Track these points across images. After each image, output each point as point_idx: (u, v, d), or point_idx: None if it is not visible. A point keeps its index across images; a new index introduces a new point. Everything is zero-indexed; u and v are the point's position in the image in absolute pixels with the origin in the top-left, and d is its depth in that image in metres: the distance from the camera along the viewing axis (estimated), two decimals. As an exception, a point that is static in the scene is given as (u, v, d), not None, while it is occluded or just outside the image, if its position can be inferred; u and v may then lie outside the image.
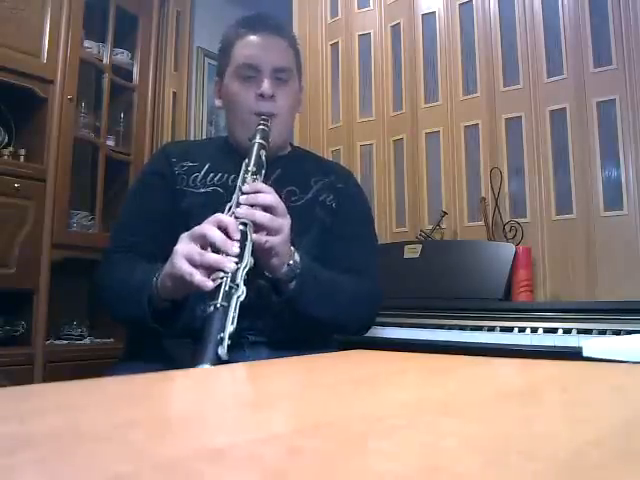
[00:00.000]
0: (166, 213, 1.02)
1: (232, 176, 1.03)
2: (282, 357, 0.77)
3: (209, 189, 1.04)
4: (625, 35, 1.63)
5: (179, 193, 1.04)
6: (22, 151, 2.03)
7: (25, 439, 0.25)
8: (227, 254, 0.79)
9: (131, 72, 2.51)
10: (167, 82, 2.68)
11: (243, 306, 0.78)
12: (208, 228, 0.81)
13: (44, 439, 0.26)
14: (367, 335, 1.14)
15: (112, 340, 2.21)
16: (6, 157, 1.98)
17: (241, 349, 0.93)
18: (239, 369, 0.59)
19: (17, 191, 1.92)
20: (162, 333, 0.91)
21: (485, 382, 0.48)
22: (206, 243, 0.81)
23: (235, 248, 0.80)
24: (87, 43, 2.32)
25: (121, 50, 2.47)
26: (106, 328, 2.23)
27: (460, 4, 1.98)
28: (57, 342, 2.12)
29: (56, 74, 2.08)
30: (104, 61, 2.35)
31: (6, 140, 2.05)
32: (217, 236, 0.81)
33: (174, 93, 2.72)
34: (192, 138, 2.78)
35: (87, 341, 2.21)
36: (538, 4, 1.82)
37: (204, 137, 2.84)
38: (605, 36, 1.67)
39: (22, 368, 1.87)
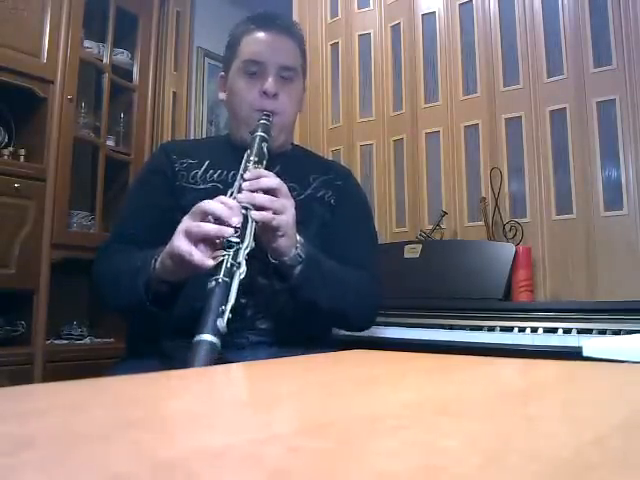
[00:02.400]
0: (166, 209, 1.02)
1: (232, 172, 1.03)
2: (282, 357, 0.77)
3: (209, 185, 1.04)
4: (625, 35, 1.63)
5: (179, 189, 1.04)
6: (22, 151, 2.03)
7: (25, 439, 0.25)
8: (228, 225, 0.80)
9: (131, 72, 2.51)
10: (167, 82, 2.68)
11: (243, 305, 0.78)
12: (208, 202, 0.82)
13: (44, 439, 0.26)
14: (367, 335, 1.14)
15: (112, 340, 2.21)
16: (6, 157, 1.98)
17: (241, 349, 0.93)
18: (239, 369, 0.59)
19: (17, 191, 1.92)
20: (160, 324, 0.91)
21: (485, 382, 0.48)
22: (206, 219, 0.81)
23: (235, 218, 0.80)
24: (87, 43, 2.32)
25: (121, 50, 2.47)
26: (106, 328, 2.23)
27: (460, 4, 1.98)
28: (57, 342, 2.12)
29: (56, 74, 2.08)
30: (104, 61, 2.35)
31: (6, 140, 2.06)
32: (217, 207, 0.81)
33: (174, 93, 2.72)
34: (192, 138, 2.78)
35: (87, 341, 2.21)
36: (538, 4, 1.82)
37: (204, 137, 2.83)
38: (605, 36, 1.67)
39: (22, 368, 1.87)
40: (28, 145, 2.06)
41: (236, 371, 0.57)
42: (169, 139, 2.63)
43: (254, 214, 0.84)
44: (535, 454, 0.23)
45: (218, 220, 0.81)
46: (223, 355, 0.74)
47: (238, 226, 0.80)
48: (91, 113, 2.39)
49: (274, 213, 0.85)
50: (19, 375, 1.82)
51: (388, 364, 0.60)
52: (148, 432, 0.27)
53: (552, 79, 1.77)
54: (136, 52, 2.53)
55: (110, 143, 2.39)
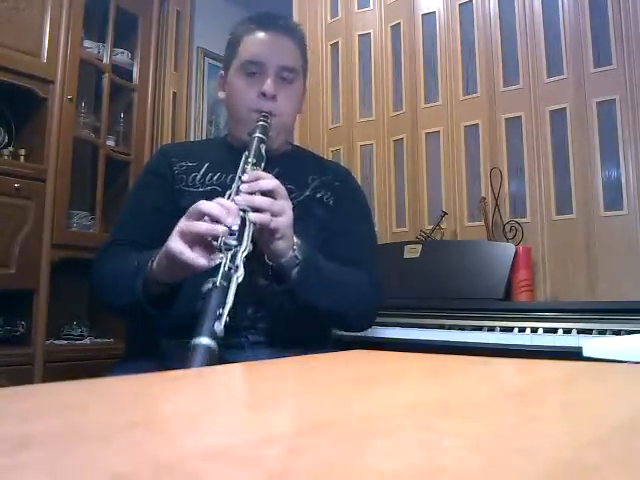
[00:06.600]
0: (165, 213, 1.02)
1: (231, 175, 1.03)
2: (282, 357, 0.77)
3: (208, 188, 1.04)
4: (625, 35, 1.63)
5: (178, 193, 1.04)
6: (22, 151, 2.03)
7: (25, 439, 0.25)
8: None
9: (131, 72, 2.51)
10: (167, 82, 2.68)
11: (243, 305, 0.78)
12: (204, 203, 0.82)
13: (44, 439, 0.26)
14: (367, 335, 1.14)
15: (112, 340, 2.21)
16: (6, 157, 1.98)
17: (241, 349, 0.93)
18: (239, 369, 0.59)
19: (17, 191, 1.92)
20: (158, 324, 0.91)
21: (485, 382, 0.48)
22: (202, 220, 0.81)
23: (230, 219, 0.80)
24: (87, 43, 2.32)
25: (121, 50, 2.47)
26: (106, 328, 2.23)
27: (460, 4, 1.98)
28: (57, 342, 2.12)
29: (56, 74, 2.08)
30: (104, 61, 2.35)
31: (6, 140, 2.06)
32: (213, 207, 0.81)
33: (174, 93, 2.72)
34: (192, 138, 2.78)
35: (87, 341, 2.21)
36: (538, 4, 1.82)
37: (204, 137, 2.84)
38: (605, 36, 1.67)
39: (22, 368, 1.87)
40: (28, 145, 2.06)
41: (236, 371, 0.57)
42: (169, 139, 2.63)
43: (252, 216, 0.83)
44: (535, 454, 0.23)
45: (214, 221, 0.81)
46: (223, 355, 0.73)
47: (234, 227, 0.80)
48: (91, 113, 2.39)
49: (272, 215, 0.85)
50: (19, 375, 1.82)
51: (388, 364, 0.60)
52: (148, 432, 0.27)
53: (552, 79, 1.77)
54: (136, 52, 2.53)
55: (110, 143, 2.39)
